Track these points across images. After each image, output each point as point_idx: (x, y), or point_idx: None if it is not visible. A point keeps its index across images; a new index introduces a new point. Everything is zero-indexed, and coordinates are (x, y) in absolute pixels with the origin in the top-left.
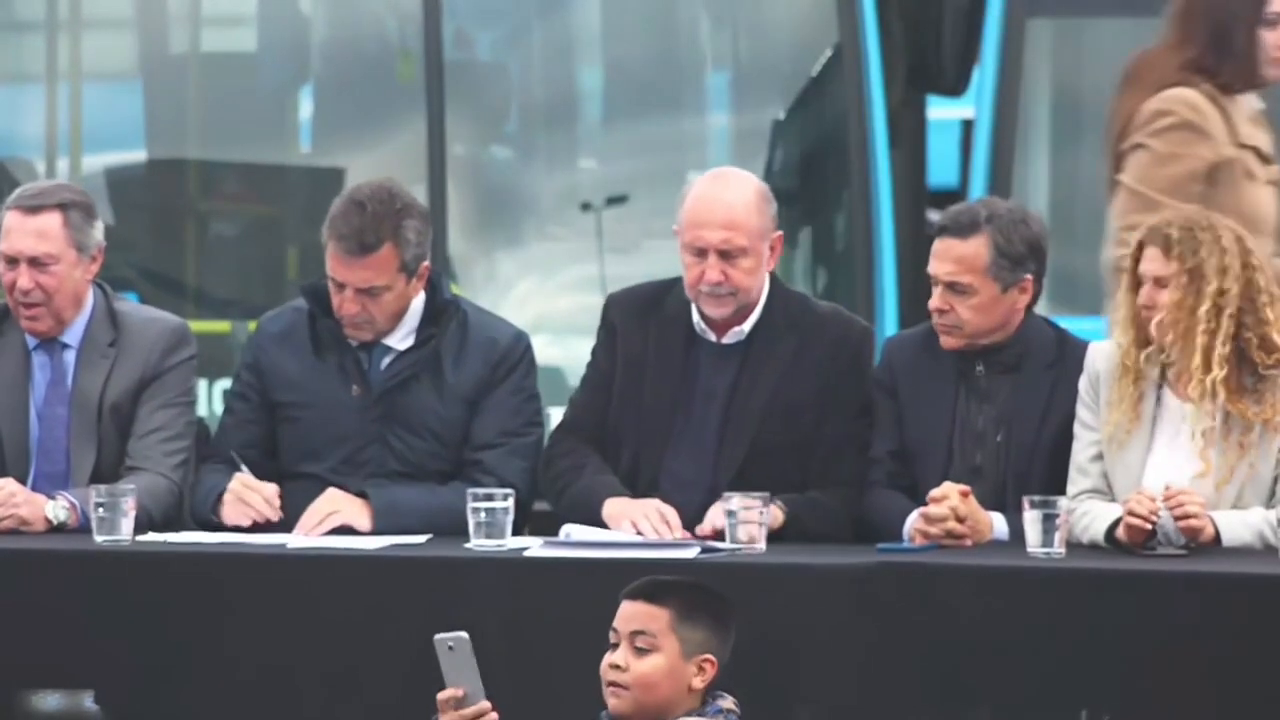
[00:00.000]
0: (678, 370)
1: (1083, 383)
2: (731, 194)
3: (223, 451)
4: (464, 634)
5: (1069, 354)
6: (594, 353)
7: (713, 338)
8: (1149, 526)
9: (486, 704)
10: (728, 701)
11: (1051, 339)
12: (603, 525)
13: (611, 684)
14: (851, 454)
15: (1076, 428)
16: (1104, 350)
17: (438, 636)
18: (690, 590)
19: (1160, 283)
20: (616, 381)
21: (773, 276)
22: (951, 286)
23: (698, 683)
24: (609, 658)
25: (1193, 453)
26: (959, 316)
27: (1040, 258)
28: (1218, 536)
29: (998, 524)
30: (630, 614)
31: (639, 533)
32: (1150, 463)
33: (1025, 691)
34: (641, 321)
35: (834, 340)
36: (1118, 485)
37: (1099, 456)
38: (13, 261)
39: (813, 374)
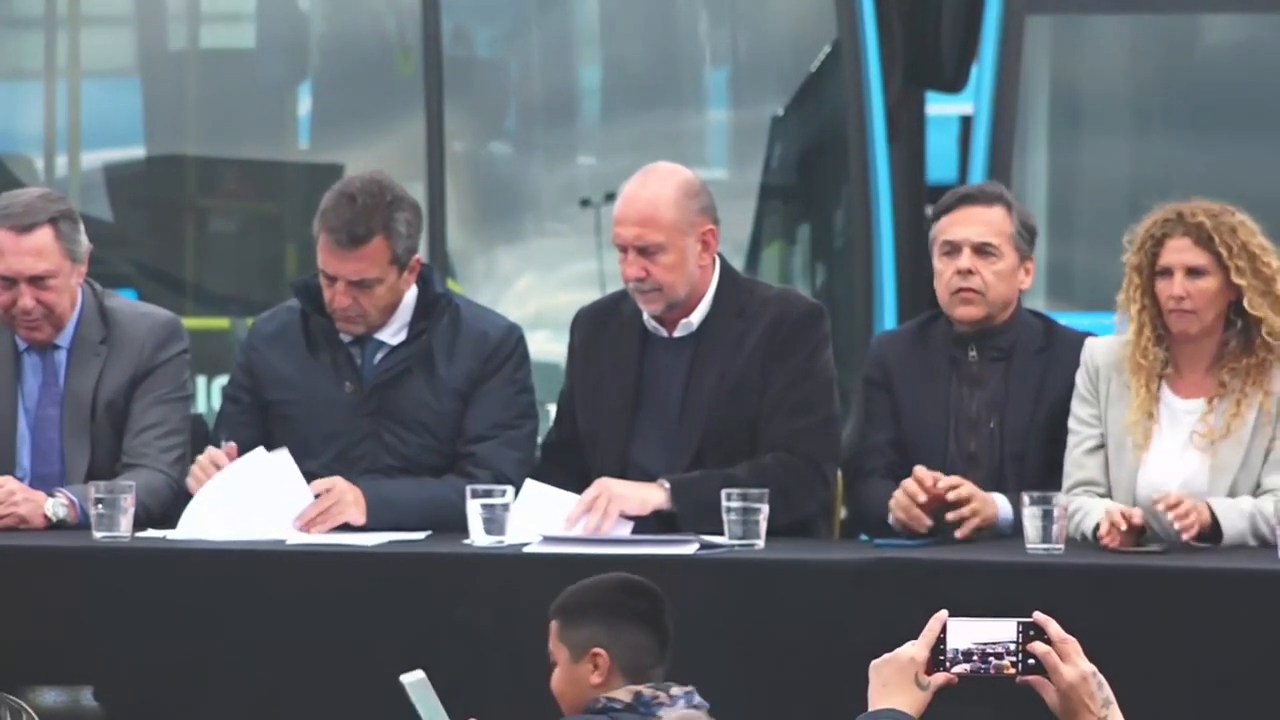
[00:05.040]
0: (633, 369)
1: (1080, 378)
2: (650, 190)
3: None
4: (420, 672)
5: (1057, 341)
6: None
7: (665, 333)
8: (1124, 526)
9: None
10: (667, 695)
11: (1039, 328)
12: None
13: None
14: (779, 420)
15: (1072, 423)
16: (1104, 346)
17: (403, 677)
18: (578, 592)
19: (1195, 272)
20: (577, 395)
21: (724, 265)
22: (980, 249)
23: (595, 679)
24: None
25: (1192, 449)
26: (984, 280)
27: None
28: (1214, 523)
29: (1001, 504)
30: None
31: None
32: (1150, 461)
33: (1026, 687)
34: (600, 331)
35: (773, 320)
36: (1123, 482)
37: (1096, 449)
38: (10, 281)
39: (754, 354)
